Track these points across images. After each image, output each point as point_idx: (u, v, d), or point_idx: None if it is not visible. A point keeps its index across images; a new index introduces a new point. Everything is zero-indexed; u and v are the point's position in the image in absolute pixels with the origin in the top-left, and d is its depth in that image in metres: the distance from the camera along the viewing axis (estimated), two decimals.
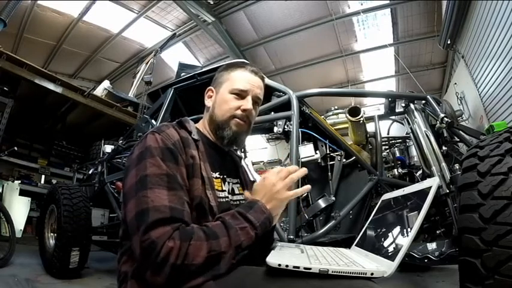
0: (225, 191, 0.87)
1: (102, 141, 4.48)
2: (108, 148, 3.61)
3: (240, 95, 0.89)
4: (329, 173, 2.00)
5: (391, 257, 0.67)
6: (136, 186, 0.68)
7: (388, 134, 2.71)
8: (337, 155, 2.04)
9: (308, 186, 0.82)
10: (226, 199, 0.86)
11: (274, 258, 0.63)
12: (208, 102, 0.94)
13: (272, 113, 2.03)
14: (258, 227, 0.70)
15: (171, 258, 0.59)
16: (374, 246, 0.88)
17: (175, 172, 0.71)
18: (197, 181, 0.76)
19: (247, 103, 0.88)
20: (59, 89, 4.08)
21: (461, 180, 1.07)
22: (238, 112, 0.88)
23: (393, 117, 2.56)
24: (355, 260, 0.72)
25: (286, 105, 1.95)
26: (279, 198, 0.76)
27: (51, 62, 7.46)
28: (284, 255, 0.73)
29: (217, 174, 0.86)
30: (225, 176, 0.90)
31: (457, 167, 1.76)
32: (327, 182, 2.00)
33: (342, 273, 0.59)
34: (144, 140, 0.75)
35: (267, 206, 0.74)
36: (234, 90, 0.89)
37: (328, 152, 2.06)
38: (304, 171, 0.81)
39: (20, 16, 5.92)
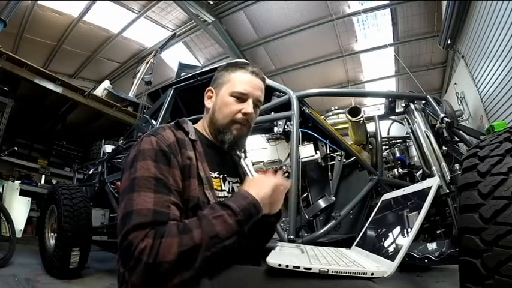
0: (224, 190, 0.87)
1: (102, 141, 4.49)
2: (108, 148, 3.62)
3: (241, 98, 0.88)
4: (329, 173, 2.00)
5: (392, 257, 0.67)
6: (127, 189, 0.69)
7: (388, 134, 2.71)
8: (337, 155, 2.04)
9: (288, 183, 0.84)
10: (226, 198, 0.86)
11: (274, 258, 0.63)
12: (208, 103, 0.93)
13: (272, 113, 2.03)
14: (238, 213, 0.66)
15: (144, 257, 0.59)
16: (374, 246, 0.88)
17: (166, 174, 0.71)
18: (194, 182, 0.75)
19: (248, 107, 0.87)
20: (59, 89, 4.09)
21: (461, 180, 1.07)
22: (239, 116, 0.87)
23: (393, 117, 2.56)
24: (356, 260, 0.72)
25: (286, 105, 1.95)
26: (265, 184, 0.75)
27: (51, 62, 7.46)
28: (284, 255, 0.73)
29: (216, 174, 0.86)
30: (225, 176, 0.90)
31: (457, 167, 1.76)
32: (327, 182, 2.00)
33: (342, 273, 0.59)
34: (140, 142, 0.76)
35: (251, 192, 0.72)
36: (234, 93, 0.88)
37: (328, 152, 2.06)
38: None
39: (20, 16, 5.92)
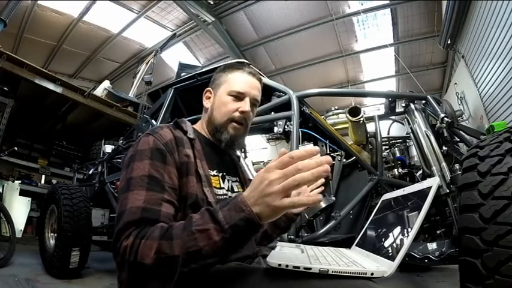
0: (223, 188, 0.87)
1: (102, 141, 4.49)
2: (108, 148, 3.62)
3: (238, 97, 0.90)
4: (329, 173, 2.00)
5: (391, 257, 0.67)
6: (123, 189, 0.70)
7: (388, 134, 2.71)
8: (337, 155, 2.04)
9: (319, 197, 0.56)
10: (225, 196, 0.86)
11: (274, 258, 0.63)
12: (206, 103, 0.95)
13: (272, 113, 2.03)
14: (227, 230, 0.54)
15: (127, 255, 0.59)
16: (374, 246, 0.88)
17: (161, 171, 0.71)
18: (192, 179, 0.76)
19: (245, 105, 0.89)
20: (59, 89, 4.09)
21: (461, 180, 1.07)
22: (236, 114, 0.89)
23: (393, 117, 2.56)
24: (356, 260, 0.72)
25: (286, 105, 1.95)
26: (268, 202, 0.53)
27: (52, 62, 7.47)
28: (284, 255, 0.72)
29: (215, 172, 0.87)
30: (224, 174, 0.90)
31: (457, 167, 1.76)
32: (327, 182, 2.00)
33: (342, 273, 0.59)
34: (137, 142, 0.77)
35: (251, 205, 0.54)
36: (232, 92, 0.89)
37: (328, 152, 2.06)
38: (326, 168, 0.54)
39: (20, 16, 5.92)
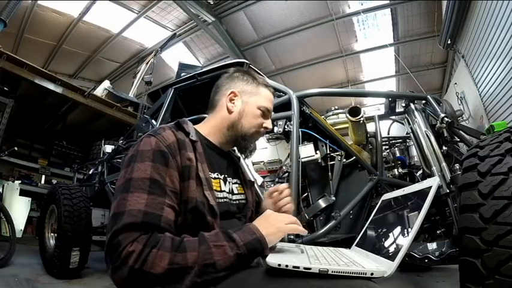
0: (224, 191, 0.87)
1: (103, 141, 4.49)
2: (109, 148, 3.62)
3: (265, 113, 0.96)
4: (329, 173, 2.00)
5: (391, 257, 0.67)
6: (121, 188, 0.69)
7: (388, 134, 2.71)
8: (337, 155, 2.04)
9: (303, 230, 0.77)
10: (225, 199, 0.86)
11: (274, 258, 0.63)
12: (231, 106, 0.93)
13: (272, 113, 2.03)
14: (241, 247, 0.65)
15: (130, 261, 0.59)
16: (374, 246, 0.88)
17: (163, 175, 0.71)
18: (192, 183, 0.75)
19: (270, 124, 0.97)
20: (59, 89, 4.08)
21: (461, 180, 1.06)
22: (262, 130, 0.96)
23: (393, 117, 2.56)
24: (355, 260, 0.72)
25: (286, 105, 1.94)
26: (277, 225, 0.72)
27: (52, 62, 7.46)
28: (284, 255, 0.73)
29: (215, 175, 0.86)
30: (225, 176, 0.90)
31: (458, 167, 1.76)
32: (327, 182, 2.00)
33: (342, 273, 0.59)
34: (139, 142, 0.76)
35: (261, 230, 0.69)
36: (262, 108, 0.94)
37: (328, 152, 2.06)
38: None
39: (20, 16, 5.92)
